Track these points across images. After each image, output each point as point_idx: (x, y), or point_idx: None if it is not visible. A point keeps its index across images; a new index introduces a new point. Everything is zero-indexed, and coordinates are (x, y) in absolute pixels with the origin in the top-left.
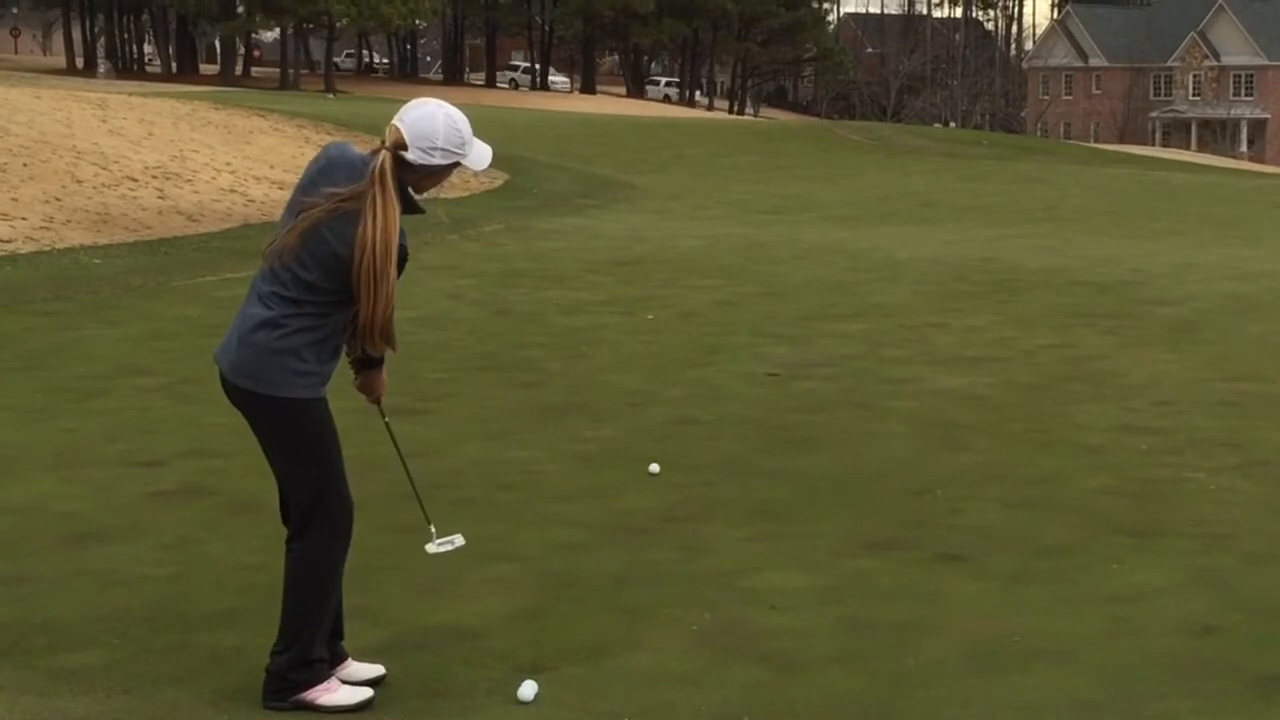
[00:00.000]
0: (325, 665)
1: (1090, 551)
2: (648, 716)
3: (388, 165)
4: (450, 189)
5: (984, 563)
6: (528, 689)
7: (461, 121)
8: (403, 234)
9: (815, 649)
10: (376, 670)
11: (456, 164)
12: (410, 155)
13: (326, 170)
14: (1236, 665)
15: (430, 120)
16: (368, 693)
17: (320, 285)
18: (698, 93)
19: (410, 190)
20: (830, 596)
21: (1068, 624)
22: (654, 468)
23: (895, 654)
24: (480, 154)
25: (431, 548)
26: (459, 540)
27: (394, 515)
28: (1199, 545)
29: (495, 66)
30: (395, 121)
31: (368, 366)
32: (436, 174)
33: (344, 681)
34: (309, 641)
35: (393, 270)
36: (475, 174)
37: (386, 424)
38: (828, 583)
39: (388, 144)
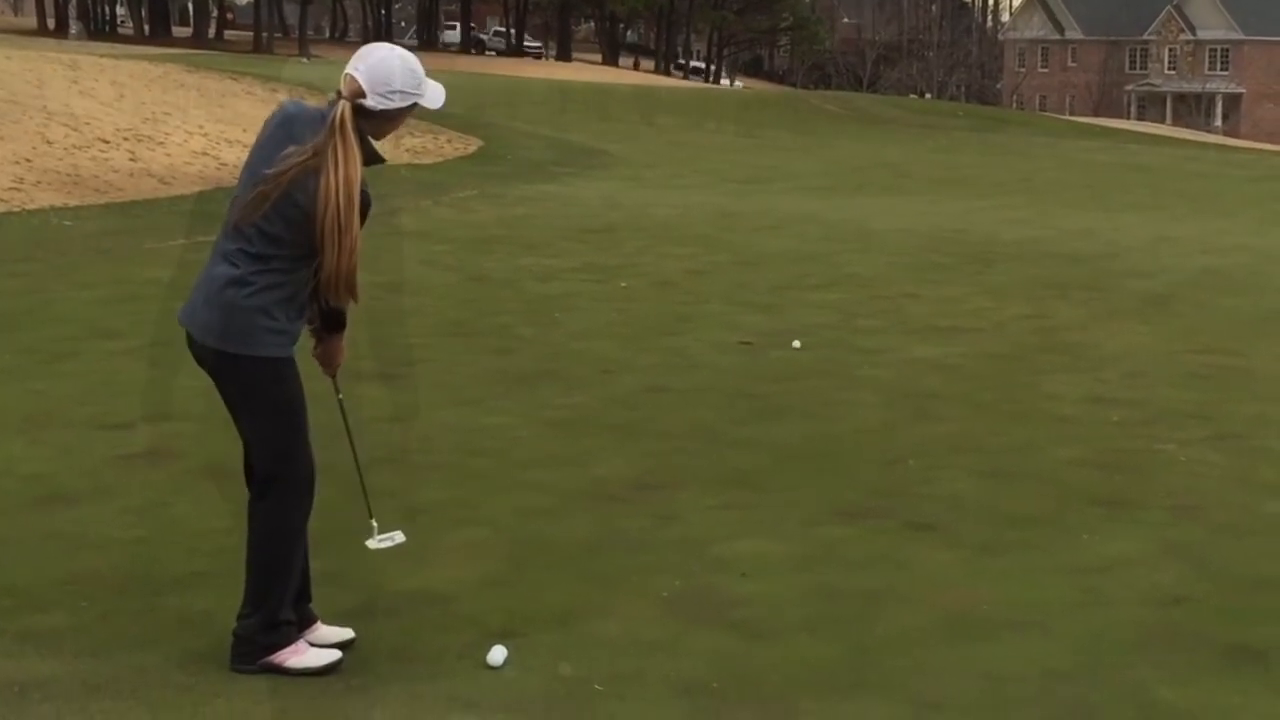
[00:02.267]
0: (293, 628)
1: (1061, 522)
2: (617, 683)
3: (347, 114)
4: (424, 154)
5: (955, 532)
6: (497, 654)
7: (415, 62)
8: (365, 183)
9: (785, 617)
10: (345, 634)
11: (414, 105)
12: (369, 101)
13: (285, 124)
14: (1204, 635)
15: (385, 64)
16: (335, 655)
17: (285, 238)
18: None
19: (370, 139)
20: (801, 565)
21: (1037, 594)
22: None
23: (865, 622)
24: (435, 92)
25: (372, 543)
26: (399, 537)
27: (365, 480)
28: (1169, 516)
29: (471, 32)
30: (350, 70)
31: (328, 332)
32: (395, 118)
33: (312, 644)
34: (276, 604)
35: (355, 220)
36: (433, 113)
37: (340, 400)
38: (799, 551)
39: (345, 93)
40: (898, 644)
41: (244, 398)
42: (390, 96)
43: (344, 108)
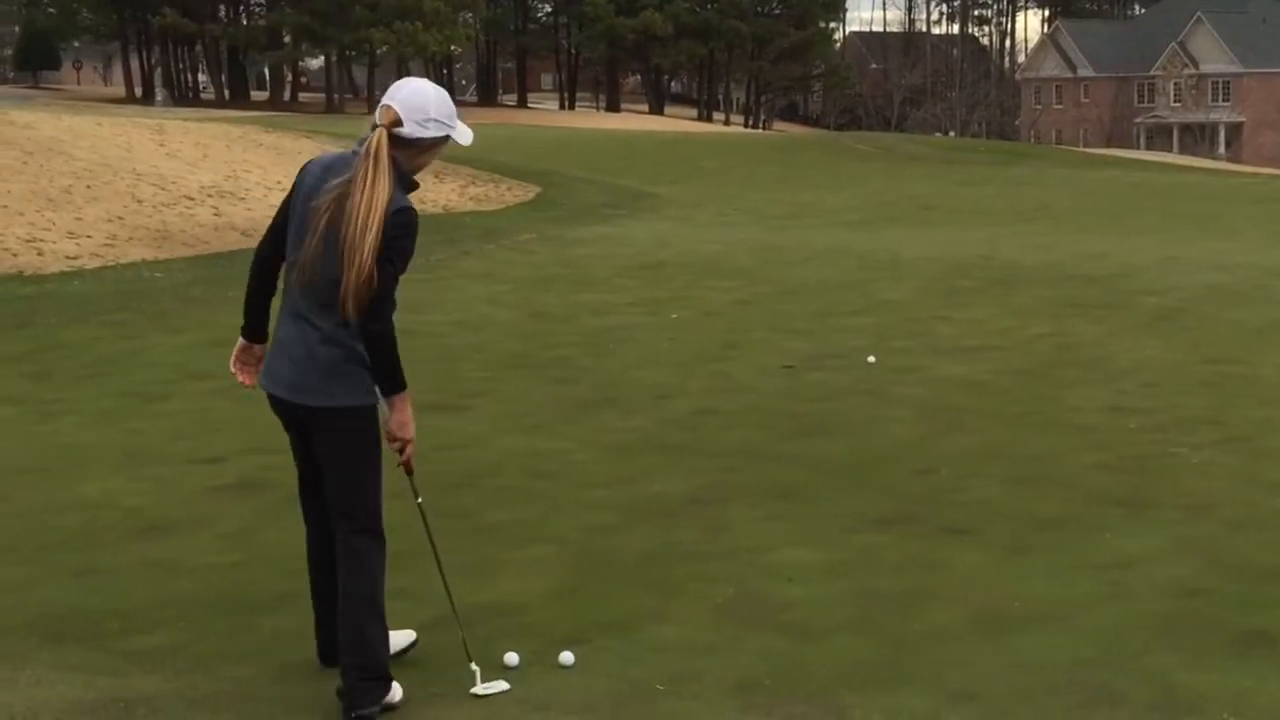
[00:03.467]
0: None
1: (1083, 522)
2: (677, 683)
3: (382, 141)
4: (486, 201)
5: (985, 535)
6: (566, 658)
7: (445, 94)
8: (412, 211)
9: (830, 618)
10: (409, 637)
11: (447, 138)
12: (406, 130)
13: (323, 176)
14: (1219, 624)
15: (421, 94)
16: (408, 636)
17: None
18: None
19: (410, 170)
20: (843, 570)
21: (1063, 589)
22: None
23: (904, 621)
24: (465, 130)
25: (477, 690)
26: (503, 685)
27: (435, 500)
28: (1183, 514)
29: (526, 89)
30: (386, 101)
31: (384, 395)
32: (429, 149)
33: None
34: (387, 637)
35: (370, 242)
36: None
37: (420, 506)
38: (841, 557)
39: (383, 123)
40: (934, 639)
41: (345, 446)
42: (426, 125)
43: (380, 134)
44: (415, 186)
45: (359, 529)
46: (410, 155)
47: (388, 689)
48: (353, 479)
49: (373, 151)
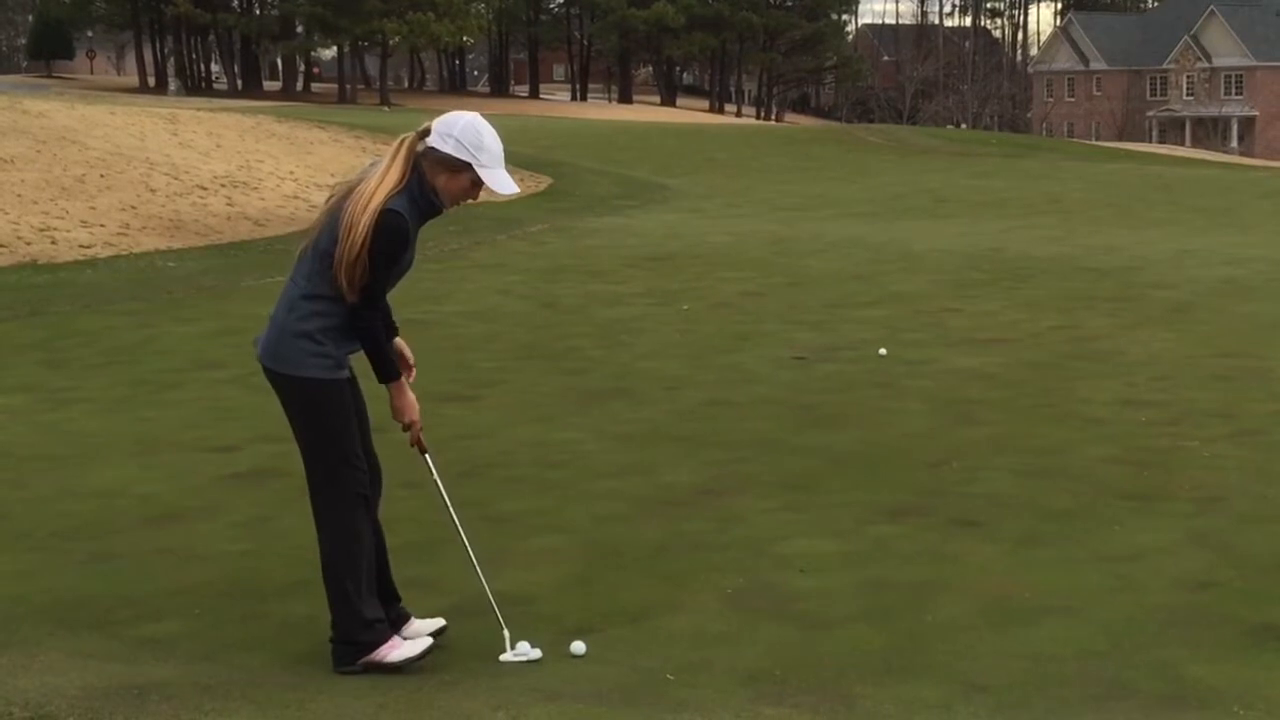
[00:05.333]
0: (385, 625)
1: (1094, 515)
2: (687, 672)
3: (410, 141)
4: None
5: (996, 527)
6: (578, 647)
7: (488, 133)
8: (401, 216)
9: (841, 609)
10: (437, 622)
11: (470, 167)
12: (430, 138)
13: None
14: (1229, 617)
15: (458, 117)
16: (428, 640)
17: (334, 254)
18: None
19: (431, 185)
20: (854, 560)
21: (1073, 581)
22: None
23: (915, 612)
24: (501, 178)
25: (505, 657)
26: (535, 654)
27: (450, 491)
28: (1194, 507)
29: (538, 80)
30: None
31: (380, 381)
32: (445, 166)
33: (405, 638)
34: (358, 604)
35: (367, 220)
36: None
37: (436, 483)
38: (852, 548)
39: (419, 130)
40: (945, 631)
41: (291, 415)
42: (445, 139)
43: (410, 135)
44: (434, 208)
45: (313, 493)
46: (431, 167)
47: (359, 653)
48: (302, 445)
49: (396, 146)
